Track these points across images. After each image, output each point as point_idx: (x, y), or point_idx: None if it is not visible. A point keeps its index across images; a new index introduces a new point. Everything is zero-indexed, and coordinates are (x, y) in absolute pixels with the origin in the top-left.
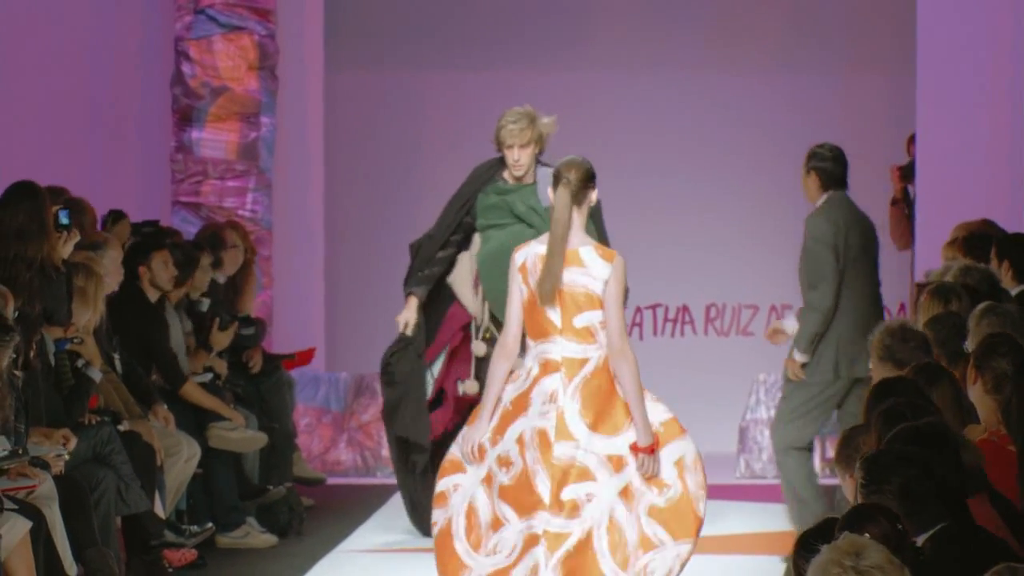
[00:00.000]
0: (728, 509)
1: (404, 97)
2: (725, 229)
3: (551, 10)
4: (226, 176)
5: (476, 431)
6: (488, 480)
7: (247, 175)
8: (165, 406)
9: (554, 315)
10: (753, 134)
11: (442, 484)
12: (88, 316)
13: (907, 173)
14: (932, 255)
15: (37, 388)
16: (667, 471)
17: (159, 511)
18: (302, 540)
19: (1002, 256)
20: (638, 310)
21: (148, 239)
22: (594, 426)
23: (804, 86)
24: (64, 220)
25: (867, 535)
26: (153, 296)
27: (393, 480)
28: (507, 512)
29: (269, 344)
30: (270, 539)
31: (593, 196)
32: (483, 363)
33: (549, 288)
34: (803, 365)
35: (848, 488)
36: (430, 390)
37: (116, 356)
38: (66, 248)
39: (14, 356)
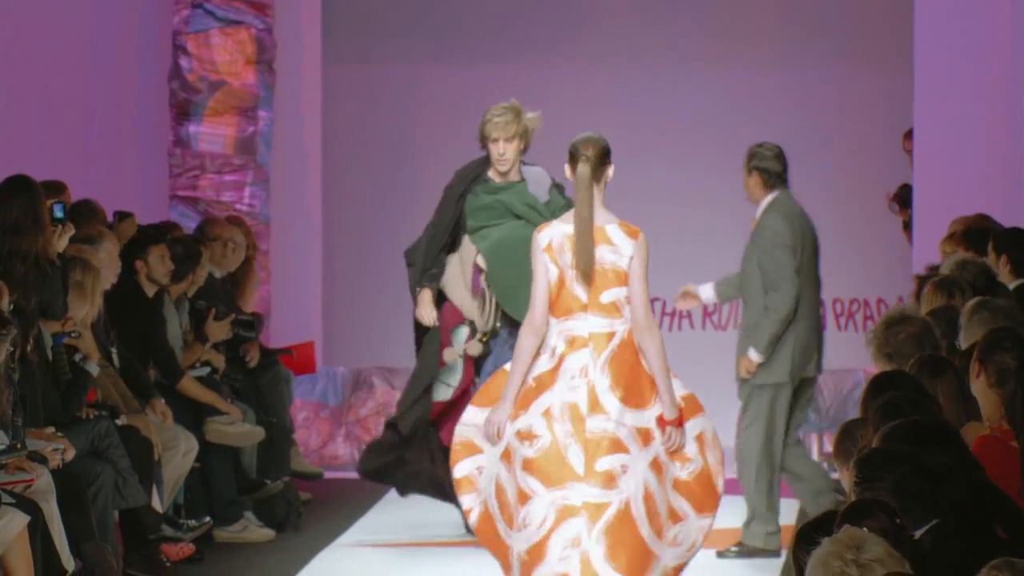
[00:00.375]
0: (725, 503)
1: (402, 91)
2: (722, 223)
3: (549, 4)
4: (224, 170)
5: (501, 412)
6: (507, 456)
7: (245, 169)
8: (163, 400)
9: (580, 292)
10: (750, 129)
11: (462, 469)
12: (86, 310)
13: (901, 198)
14: (930, 250)
15: (34, 382)
16: (689, 446)
17: (157, 505)
18: (300, 534)
19: (1000, 250)
20: None
21: (146, 234)
22: (624, 400)
23: (801, 82)
24: (59, 214)
25: (865, 529)
26: (151, 291)
27: None
28: (533, 484)
29: (267, 338)
30: (268, 533)
31: (610, 172)
32: (480, 362)
33: (586, 264)
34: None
35: (847, 481)
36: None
37: (114, 350)
38: (61, 242)
39: (11, 349)
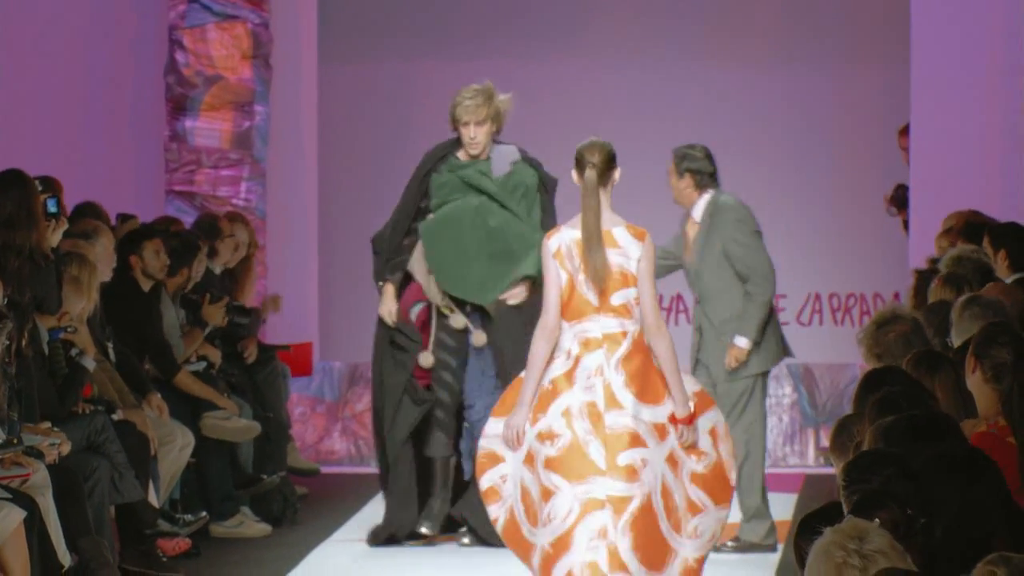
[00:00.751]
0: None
1: (398, 86)
2: None
3: (545, 1)
4: (220, 165)
5: (519, 417)
6: (529, 459)
7: (241, 164)
8: (159, 395)
9: (591, 295)
10: (748, 126)
11: (487, 480)
12: (82, 305)
13: (899, 200)
14: (926, 245)
15: (30, 377)
16: (703, 440)
17: (153, 500)
18: (296, 529)
19: (998, 245)
20: None
21: (142, 228)
22: (639, 396)
23: (799, 78)
24: (52, 208)
25: (877, 521)
26: (146, 285)
27: None
28: (556, 480)
29: (263, 334)
30: (264, 528)
31: (616, 175)
32: (461, 335)
33: (597, 269)
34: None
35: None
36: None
37: (110, 345)
38: (54, 236)
39: (7, 343)
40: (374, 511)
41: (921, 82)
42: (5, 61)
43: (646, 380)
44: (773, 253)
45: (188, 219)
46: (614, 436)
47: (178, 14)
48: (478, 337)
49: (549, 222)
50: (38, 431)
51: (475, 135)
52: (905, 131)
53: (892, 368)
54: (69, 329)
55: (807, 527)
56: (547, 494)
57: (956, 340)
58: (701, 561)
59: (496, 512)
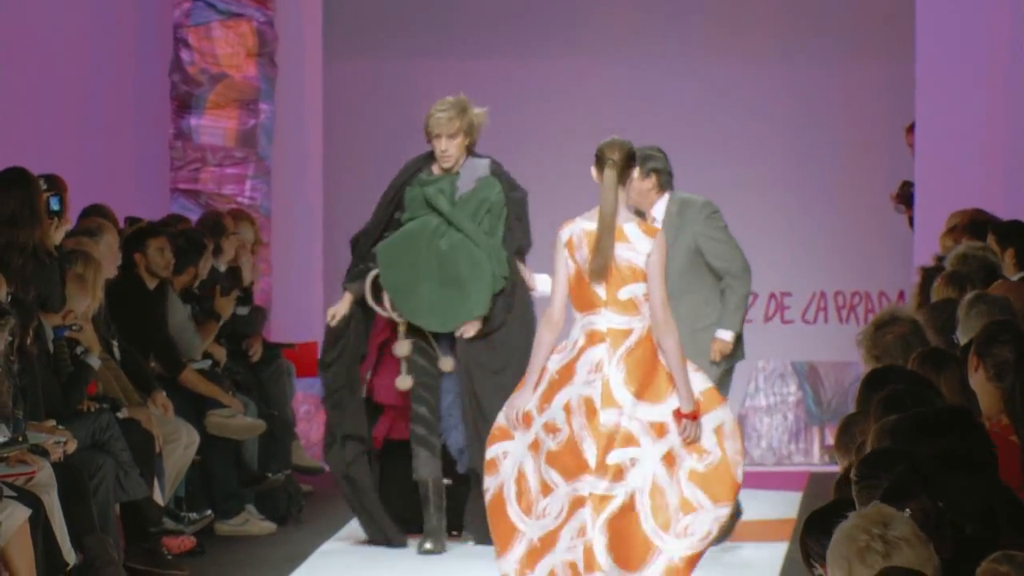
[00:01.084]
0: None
1: (403, 84)
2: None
3: None
4: (225, 163)
5: (521, 398)
6: (535, 447)
7: (246, 162)
8: (164, 393)
9: (600, 288)
10: (751, 122)
11: (492, 451)
12: (87, 303)
13: (905, 197)
14: (932, 242)
15: (35, 375)
16: (707, 438)
17: (158, 498)
18: (301, 527)
19: (1005, 243)
20: None
21: (147, 227)
22: (638, 394)
23: (803, 74)
24: (55, 207)
25: (907, 511)
26: (151, 283)
27: None
28: (555, 477)
29: (268, 332)
30: (269, 526)
31: (635, 174)
32: (410, 362)
33: (601, 265)
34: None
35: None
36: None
37: (115, 343)
38: (57, 235)
39: (10, 339)
40: None
41: (926, 79)
42: (9, 59)
43: (648, 377)
44: (777, 251)
45: (193, 217)
46: (606, 434)
47: (183, 12)
48: (444, 363)
49: (517, 238)
50: (43, 429)
51: (447, 148)
52: (912, 128)
53: (894, 367)
54: (74, 327)
55: (813, 525)
56: (546, 489)
57: (963, 338)
58: (689, 560)
59: (488, 483)
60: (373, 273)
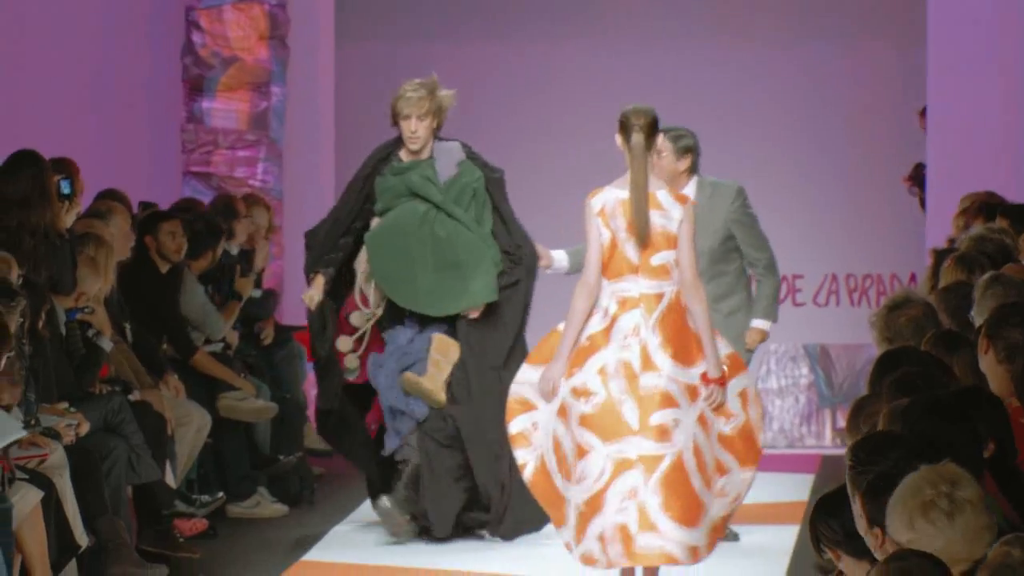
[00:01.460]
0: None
1: (414, 67)
2: None
3: None
4: (237, 146)
5: (555, 370)
6: (563, 412)
7: (258, 145)
8: (176, 376)
9: (632, 254)
10: (764, 105)
11: (517, 424)
12: (99, 286)
13: (919, 180)
14: (943, 225)
15: (47, 358)
16: (732, 402)
17: (170, 480)
18: (312, 510)
19: (1020, 226)
20: None
21: (160, 210)
22: (675, 357)
23: (816, 56)
24: (66, 190)
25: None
26: (164, 267)
27: None
28: (590, 439)
29: (280, 315)
30: (280, 509)
31: (658, 141)
32: (365, 334)
33: (642, 229)
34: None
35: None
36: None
37: (127, 326)
38: (68, 218)
39: (22, 321)
40: None
41: (937, 62)
42: (22, 43)
43: (681, 341)
44: (789, 234)
45: (205, 200)
46: (648, 396)
47: None
48: (357, 318)
49: (500, 221)
50: (55, 411)
51: (416, 129)
52: (924, 111)
53: (906, 348)
54: (86, 310)
55: (823, 508)
56: (581, 452)
57: (978, 318)
58: (725, 519)
59: (524, 457)
60: (363, 261)
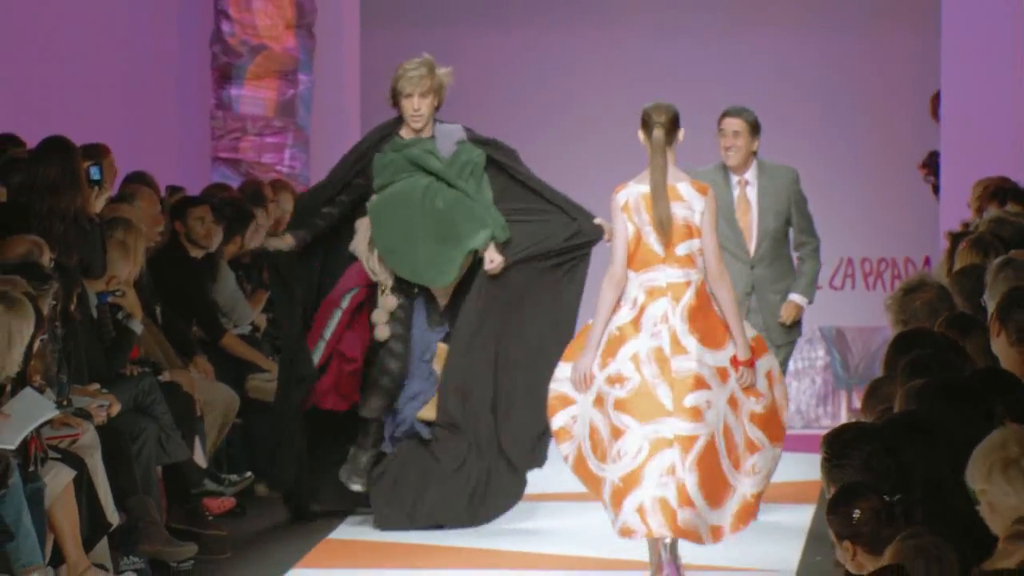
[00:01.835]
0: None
1: (439, 54)
2: None
3: None
4: (264, 133)
5: (586, 360)
6: (599, 401)
7: (285, 132)
8: (205, 357)
9: (657, 246)
10: (778, 91)
11: (558, 420)
12: (129, 269)
13: (934, 167)
14: (957, 210)
15: (78, 340)
16: (760, 381)
17: (199, 460)
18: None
19: None
20: None
21: (191, 196)
22: (702, 341)
23: (830, 42)
24: (95, 176)
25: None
26: (194, 251)
27: None
28: (626, 420)
29: None
30: None
31: (680, 135)
32: (409, 311)
33: (663, 224)
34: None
35: None
36: (318, 356)
37: (158, 309)
38: (97, 203)
39: (54, 304)
40: None
41: (951, 47)
42: (53, 32)
43: (708, 327)
44: None
45: (233, 185)
46: (680, 379)
47: None
48: (381, 331)
49: (520, 192)
50: (87, 393)
51: (418, 107)
52: (938, 97)
53: (922, 330)
54: (117, 293)
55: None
56: (617, 433)
57: (990, 303)
58: (758, 496)
59: (567, 450)
60: (365, 227)
